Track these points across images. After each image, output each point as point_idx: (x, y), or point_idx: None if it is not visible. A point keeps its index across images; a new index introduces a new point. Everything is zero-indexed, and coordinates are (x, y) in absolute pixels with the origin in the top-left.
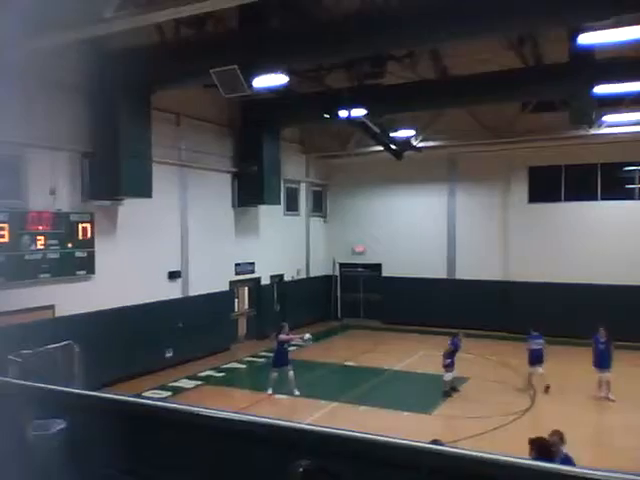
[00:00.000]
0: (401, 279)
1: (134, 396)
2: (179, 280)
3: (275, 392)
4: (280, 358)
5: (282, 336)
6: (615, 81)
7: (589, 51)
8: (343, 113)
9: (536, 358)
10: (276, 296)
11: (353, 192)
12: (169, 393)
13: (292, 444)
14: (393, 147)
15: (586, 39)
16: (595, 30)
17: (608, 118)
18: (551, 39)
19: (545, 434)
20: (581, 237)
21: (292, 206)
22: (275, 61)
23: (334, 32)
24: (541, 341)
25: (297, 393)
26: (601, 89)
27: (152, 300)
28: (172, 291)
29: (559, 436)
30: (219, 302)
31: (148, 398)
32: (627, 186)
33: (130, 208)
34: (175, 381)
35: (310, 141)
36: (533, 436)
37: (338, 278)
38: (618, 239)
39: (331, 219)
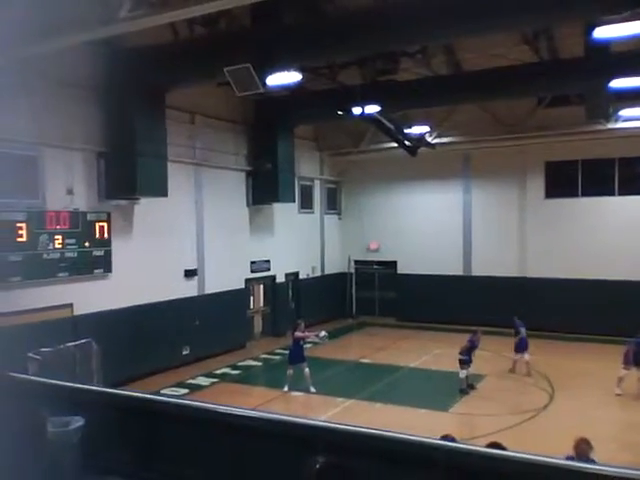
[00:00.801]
0: (416, 276)
1: (151, 393)
2: (195, 278)
3: (291, 389)
4: (296, 355)
5: (298, 333)
6: (632, 75)
7: (605, 45)
8: (357, 110)
9: (524, 346)
10: (291, 294)
11: (368, 189)
12: (186, 390)
13: (308, 441)
14: (407, 144)
15: (602, 33)
16: (611, 24)
17: (625, 112)
18: (566, 33)
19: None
20: (599, 233)
21: (307, 204)
22: (288, 59)
23: (347, 29)
24: (524, 329)
25: (313, 390)
26: (617, 83)
27: (168, 298)
28: (188, 289)
29: (586, 443)
30: (235, 300)
31: (165, 395)
32: None
33: (146, 207)
34: (192, 378)
35: (324, 138)
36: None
37: (353, 275)
38: (636, 234)
39: (346, 216)
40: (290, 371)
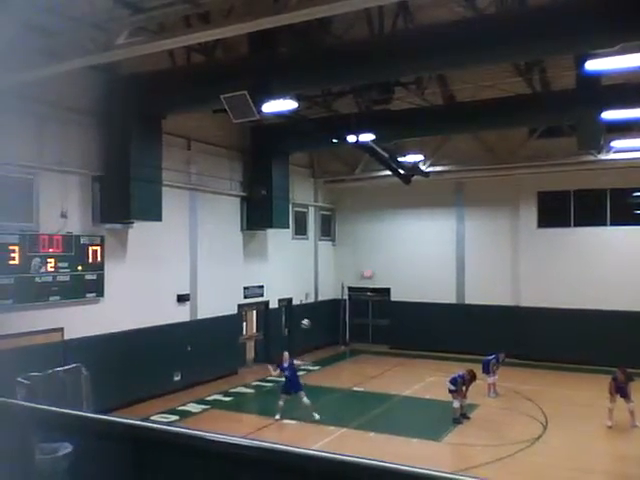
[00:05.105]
0: (410, 304)
1: (141, 420)
2: (188, 303)
3: (283, 417)
4: (289, 383)
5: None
6: (623, 107)
7: (596, 77)
8: (351, 138)
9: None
10: (284, 320)
11: (362, 216)
12: (176, 417)
13: (300, 471)
14: (401, 172)
15: (593, 66)
16: (602, 57)
17: (617, 144)
18: (558, 65)
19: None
20: (591, 263)
21: (301, 230)
22: (284, 87)
23: (342, 59)
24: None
25: (317, 417)
26: (609, 115)
27: (160, 323)
28: (181, 314)
29: None
30: (227, 325)
31: (155, 422)
32: (637, 212)
33: (140, 231)
34: (182, 405)
35: (319, 165)
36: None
37: (346, 302)
38: (628, 265)
39: (340, 243)
40: (281, 400)
